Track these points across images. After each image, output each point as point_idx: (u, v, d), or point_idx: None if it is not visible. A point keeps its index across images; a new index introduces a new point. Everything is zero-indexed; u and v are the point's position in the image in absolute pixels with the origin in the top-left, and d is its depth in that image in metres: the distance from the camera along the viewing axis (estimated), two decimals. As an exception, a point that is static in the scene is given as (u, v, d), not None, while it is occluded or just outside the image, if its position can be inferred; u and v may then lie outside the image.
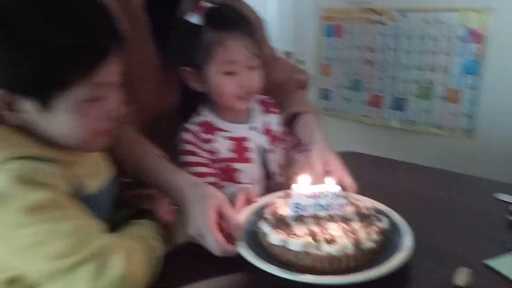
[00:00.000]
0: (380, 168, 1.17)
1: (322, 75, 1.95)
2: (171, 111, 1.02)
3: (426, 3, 1.60)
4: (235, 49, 0.88)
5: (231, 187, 0.92)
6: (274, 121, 1.03)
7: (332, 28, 1.88)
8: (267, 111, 1.02)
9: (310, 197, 0.74)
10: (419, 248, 0.71)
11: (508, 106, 1.47)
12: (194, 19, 0.89)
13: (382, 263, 0.65)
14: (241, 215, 0.79)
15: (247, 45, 0.89)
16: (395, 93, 1.75)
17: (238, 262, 0.68)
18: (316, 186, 0.75)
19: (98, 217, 0.65)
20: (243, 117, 0.98)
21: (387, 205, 0.81)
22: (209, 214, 0.71)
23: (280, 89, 1.09)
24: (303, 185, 0.76)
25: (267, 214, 0.75)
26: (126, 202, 0.79)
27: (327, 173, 0.87)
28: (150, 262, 0.65)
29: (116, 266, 0.58)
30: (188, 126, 0.94)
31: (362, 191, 0.85)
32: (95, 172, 0.70)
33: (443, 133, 1.64)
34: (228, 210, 0.74)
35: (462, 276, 0.65)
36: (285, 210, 0.75)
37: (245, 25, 0.91)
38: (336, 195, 0.74)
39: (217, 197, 0.75)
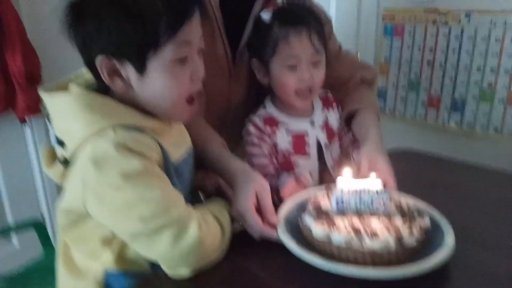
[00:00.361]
0: (434, 166, 1.19)
1: (381, 74, 1.97)
2: (239, 103, 1.12)
3: (493, 5, 1.57)
4: (298, 44, 0.96)
5: (285, 174, 1.00)
6: (333, 117, 1.09)
7: (393, 28, 1.89)
8: (327, 107, 1.09)
9: (353, 192, 0.76)
10: (479, 240, 0.77)
11: None
12: (265, 15, 0.99)
13: (424, 259, 0.68)
14: (283, 204, 0.84)
15: (311, 41, 0.96)
16: (454, 95, 1.74)
17: (280, 251, 0.73)
18: (360, 181, 0.77)
19: (180, 184, 0.74)
20: (305, 112, 1.05)
21: (439, 202, 0.83)
22: (249, 196, 0.78)
23: (344, 86, 1.14)
24: (347, 180, 0.78)
25: (310, 206, 0.79)
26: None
27: (372, 172, 0.87)
28: (219, 235, 0.73)
29: (192, 233, 0.66)
30: (253, 118, 1.04)
31: (413, 188, 0.89)
32: (178, 142, 0.79)
33: (502, 137, 1.61)
34: (265, 197, 0.79)
35: None
36: (327, 203, 0.79)
37: (311, 22, 0.98)
38: (379, 192, 0.76)
39: (261, 183, 0.81)
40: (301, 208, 0.82)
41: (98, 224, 0.72)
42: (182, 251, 0.66)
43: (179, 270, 0.69)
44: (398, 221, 0.74)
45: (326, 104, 1.09)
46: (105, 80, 0.70)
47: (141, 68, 0.69)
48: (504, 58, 1.57)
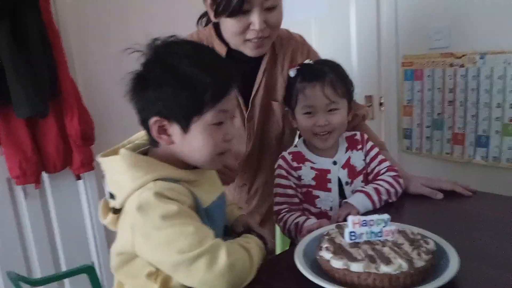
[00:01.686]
0: (455, 196, 1.25)
1: (405, 115, 2.06)
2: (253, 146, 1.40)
3: (506, 46, 1.66)
4: (312, 96, 1.13)
5: (313, 220, 1.11)
6: (356, 157, 1.22)
7: (412, 72, 2.00)
8: (352, 148, 1.22)
9: (364, 225, 0.84)
10: (490, 259, 0.84)
11: None
12: (291, 72, 1.18)
13: (435, 279, 0.77)
14: (300, 242, 0.94)
15: (323, 92, 1.12)
16: (478, 131, 1.79)
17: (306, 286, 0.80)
18: (369, 216, 0.86)
19: (211, 225, 0.86)
20: (330, 152, 1.20)
21: (454, 232, 0.92)
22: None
23: (349, 124, 1.29)
24: (357, 217, 0.87)
25: (325, 242, 0.87)
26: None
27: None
28: (247, 260, 0.83)
29: (222, 258, 0.77)
30: (284, 154, 1.21)
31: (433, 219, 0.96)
32: (209, 189, 0.92)
33: (528, 169, 1.64)
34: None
35: None
36: (340, 239, 0.87)
37: (327, 76, 1.14)
38: (387, 222, 0.85)
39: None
40: (317, 244, 0.90)
41: (144, 263, 0.85)
42: (216, 275, 0.77)
43: None
44: (407, 247, 0.82)
45: (351, 145, 1.22)
46: (153, 136, 0.86)
47: (186, 128, 0.84)
48: (522, 94, 1.64)
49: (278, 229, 1.45)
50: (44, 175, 1.90)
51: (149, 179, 0.82)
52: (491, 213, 1.11)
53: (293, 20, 2.45)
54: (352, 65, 2.15)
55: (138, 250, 0.83)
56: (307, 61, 1.20)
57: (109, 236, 1.95)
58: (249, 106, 1.33)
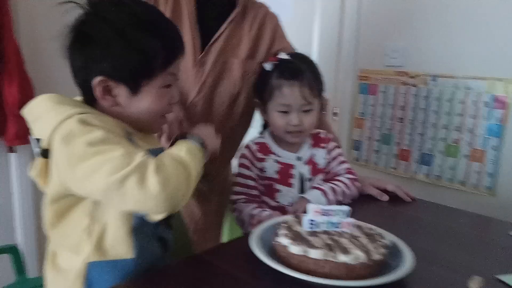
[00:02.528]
0: (402, 203, 1.30)
1: (356, 127, 2.11)
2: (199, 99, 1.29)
3: (456, 71, 1.76)
4: (289, 95, 1.10)
5: (267, 211, 1.09)
6: (319, 155, 1.21)
7: (367, 87, 2.06)
8: (315, 145, 1.21)
9: (324, 215, 0.84)
10: (437, 260, 0.86)
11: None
12: (267, 65, 1.14)
13: (392, 272, 0.77)
14: (254, 230, 0.91)
15: (301, 93, 1.10)
16: (423, 149, 1.87)
17: (260, 272, 0.78)
18: (329, 207, 0.86)
19: None
20: (295, 147, 1.18)
21: (404, 233, 0.93)
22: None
23: None
24: (318, 206, 0.86)
25: (283, 229, 0.85)
26: None
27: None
28: (181, 173, 0.76)
29: (151, 176, 0.71)
30: (249, 143, 1.17)
31: (382, 222, 0.98)
32: (146, 141, 0.88)
33: (466, 189, 1.73)
34: None
35: (475, 282, 0.76)
36: (297, 227, 0.86)
37: (305, 76, 1.12)
38: (346, 214, 0.86)
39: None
40: (274, 231, 0.88)
41: (80, 214, 0.79)
42: (149, 194, 0.71)
43: (155, 213, 0.75)
44: (363, 240, 0.82)
45: (316, 142, 1.22)
46: (97, 96, 0.81)
47: (134, 90, 0.82)
48: (467, 118, 1.73)
49: (228, 219, 1.40)
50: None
51: (76, 112, 0.76)
52: (435, 220, 1.16)
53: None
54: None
55: (69, 187, 0.76)
56: (284, 56, 1.17)
57: (39, 217, 1.79)
58: (204, 51, 1.24)
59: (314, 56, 2.20)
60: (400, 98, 1.94)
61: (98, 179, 0.71)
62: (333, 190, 1.15)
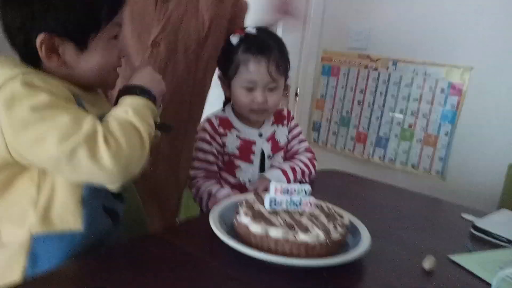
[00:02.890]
0: (358, 184, 1.33)
1: (316, 109, 2.12)
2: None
3: (416, 56, 1.80)
4: (255, 71, 1.06)
5: (226, 190, 1.07)
6: (282, 132, 1.20)
7: (330, 68, 2.07)
8: (278, 123, 1.20)
9: (285, 193, 0.83)
10: (392, 240, 0.87)
11: (476, 153, 1.64)
12: (233, 39, 1.09)
13: (349, 251, 0.78)
14: (214, 208, 0.88)
15: (268, 70, 1.07)
16: (379, 132, 1.92)
17: (220, 251, 0.77)
18: (290, 185, 0.84)
19: None
20: (257, 124, 1.15)
21: (361, 214, 0.94)
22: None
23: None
24: (279, 184, 0.84)
25: (244, 208, 0.83)
26: None
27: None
28: (134, 135, 0.72)
29: (102, 147, 0.67)
30: (210, 117, 1.13)
31: (338, 200, 0.99)
32: (95, 105, 0.82)
33: (418, 172, 1.80)
34: None
35: (429, 261, 0.78)
36: (258, 206, 0.84)
37: (272, 53, 1.09)
38: (306, 193, 0.84)
39: None
40: (234, 210, 0.86)
41: (26, 182, 0.73)
42: (102, 166, 0.67)
43: (111, 184, 0.71)
44: (323, 219, 0.83)
45: (278, 119, 1.20)
46: (41, 57, 0.74)
47: (82, 46, 0.76)
48: (423, 104, 1.78)
49: (185, 195, 1.37)
50: None
51: (19, 72, 0.70)
52: (388, 201, 1.19)
53: None
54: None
55: (13, 152, 0.69)
56: (250, 30, 1.13)
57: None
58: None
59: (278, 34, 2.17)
60: (360, 81, 1.97)
61: (46, 147, 0.66)
62: (293, 170, 1.15)
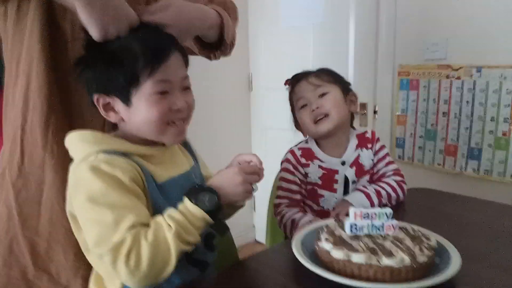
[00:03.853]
0: (448, 201, 1.27)
1: (398, 124, 2.06)
2: None
3: (501, 60, 1.68)
4: (299, 90, 1.21)
5: (308, 216, 1.09)
6: (365, 156, 1.20)
7: (408, 82, 2.01)
8: (361, 146, 1.21)
9: (365, 218, 0.83)
10: (488, 262, 0.83)
11: None
12: (286, 88, 1.25)
13: (437, 274, 0.76)
14: (296, 234, 0.91)
15: (309, 81, 1.19)
16: (470, 143, 1.81)
17: (303, 278, 0.79)
18: (371, 209, 0.84)
19: (167, 202, 0.83)
20: (339, 151, 1.19)
21: (453, 235, 0.90)
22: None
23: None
24: (359, 209, 0.84)
25: (325, 234, 0.84)
26: None
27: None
28: (157, 256, 0.75)
29: (121, 263, 0.74)
30: (293, 148, 1.20)
31: (429, 223, 0.95)
32: (169, 165, 0.90)
33: (519, 183, 1.65)
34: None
35: None
36: (339, 231, 0.85)
37: (311, 73, 1.21)
38: (388, 217, 0.84)
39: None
40: (315, 236, 0.87)
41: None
42: (120, 276, 0.76)
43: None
44: (408, 242, 0.81)
45: (362, 143, 1.21)
46: (103, 114, 0.86)
47: (127, 101, 0.83)
48: (516, 109, 1.66)
49: (269, 219, 1.41)
50: None
51: (93, 151, 0.80)
52: (485, 218, 1.12)
53: (291, 24, 2.47)
54: (348, 72, 2.15)
55: None
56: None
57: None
58: None
59: (351, 55, 2.17)
60: (443, 92, 1.88)
61: (89, 238, 0.78)
62: (378, 193, 1.13)
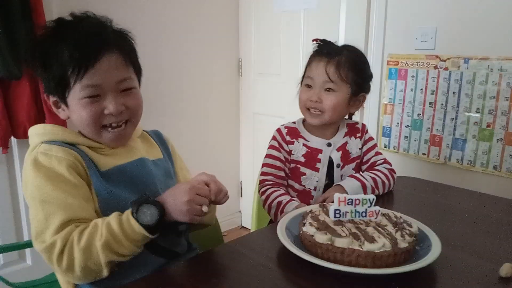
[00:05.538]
0: (434, 191, 1.29)
1: (385, 114, 2.08)
2: None
3: (490, 52, 1.70)
4: (315, 69, 1.16)
5: (295, 202, 1.10)
6: (353, 144, 1.22)
7: (397, 71, 2.02)
8: (350, 135, 1.22)
9: (349, 204, 0.84)
10: (468, 248, 0.85)
11: None
12: (313, 47, 1.21)
13: (418, 260, 0.77)
14: (281, 219, 0.92)
15: (326, 68, 1.13)
16: (455, 134, 1.83)
17: (287, 261, 0.80)
18: (355, 196, 0.85)
19: (113, 191, 0.85)
20: (326, 134, 1.19)
21: (435, 222, 0.93)
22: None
23: None
24: (343, 195, 0.85)
25: (309, 219, 0.86)
26: None
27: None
28: (87, 261, 0.77)
29: (56, 262, 0.77)
30: (280, 127, 1.20)
31: (409, 207, 0.97)
32: (117, 154, 0.92)
33: (501, 174, 1.68)
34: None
35: (506, 268, 0.76)
36: (323, 216, 0.87)
37: (337, 56, 1.17)
38: (371, 203, 0.85)
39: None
40: (300, 221, 0.89)
41: None
42: (58, 273, 0.82)
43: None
44: (390, 228, 0.82)
45: (351, 132, 1.22)
46: (53, 110, 0.91)
47: (65, 102, 0.87)
48: (501, 101, 1.68)
49: (255, 205, 1.42)
50: (13, 140, 1.81)
51: (38, 142, 0.86)
52: (467, 207, 1.14)
53: (283, 9, 2.45)
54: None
55: None
56: (329, 39, 1.20)
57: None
58: None
59: (341, 42, 2.17)
60: (431, 82, 1.90)
61: (31, 232, 0.82)
62: (374, 181, 1.15)
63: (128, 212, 0.80)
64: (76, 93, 0.83)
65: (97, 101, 0.85)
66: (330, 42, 1.17)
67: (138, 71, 0.94)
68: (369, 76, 1.19)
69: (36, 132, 0.88)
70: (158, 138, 1.05)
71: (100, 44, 0.84)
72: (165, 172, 0.99)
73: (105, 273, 0.78)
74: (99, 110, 0.85)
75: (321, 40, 1.17)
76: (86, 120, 0.85)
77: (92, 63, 0.82)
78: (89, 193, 0.83)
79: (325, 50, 1.14)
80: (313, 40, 1.19)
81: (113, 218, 0.79)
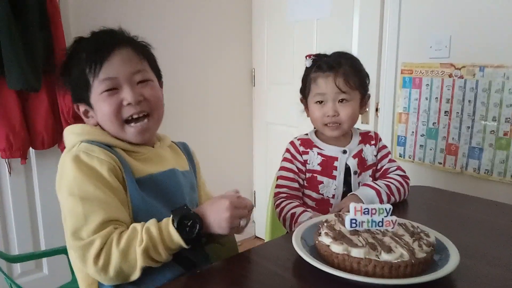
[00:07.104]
0: (449, 199, 1.28)
1: (400, 123, 2.07)
2: None
3: (504, 60, 1.68)
4: (324, 85, 1.12)
5: (308, 214, 1.10)
6: (368, 151, 1.22)
7: (411, 80, 2.01)
8: (365, 143, 1.23)
9: (365, 213, 0.83)
10: (486, 258, 0.84)
11: None
12: (307, 62, 1.18)
13: (436, 270, 0.76)
14: (296, 229, 0.92)
15: (335, 81, 1.12)
16: (471, 142, 1.81)
17: (303, 271, 0.80)
18: (371, 206, 0.84)
19: (148, 197, 0.86)
20: (341, 142, 1.20)
21: (452, 231, 0.91)
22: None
23: None
24: (359, 205, 0.85)
25: (325, 229, 0.85)
26: None
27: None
28: (124, 264, 0.78)
29: (90, 265, 0.78)
30: (293, 139, 1.21)
31: (427, 217, 0.96)
32: (152, 161, 0.93)
33: (519, 183, 1.66)
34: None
35: None
36: (339, 226, 0.86)
37: (341, 67, 1.14)
38: (388, 213, 0.84)
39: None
40: (315, 231, 0.89)
41: None
42: (90, 272, 0.80)
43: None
44: (407, 238, 0.81)
45: (365, 140, 1.23)
46: (84, 119, 0.94)
47: (89, 105, 0.91)
48: (518, 109, 1.66)
49: (269, 215, 1.42)
50: (31, 151, 1.85)
51: (77, 141, 0.87)
52: (484, 216, 1.12)
53: (296, 19, 2.47)
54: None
55: None
56: (323, 53, 1.20)
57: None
58: None
59: (355, 51, 2.17)
60: (446, 91, 1.89)
61: (66, 228, 0.83)
62: (388, 188, 1.14)
63: (167, 221, 0.81)
64: (96, 89, 0.88)
65: (116, 93, 0.89)
66: (324, 54, 1.20)
67: (156, 71, 0.98)
68: (368, 75, 1.22)
69: (74, 131, 0.90)
70: (186, 150, 1.08)
71: (112, 40, 0.90)
72: (191, 185, 1.01)
73: (135, 276, 0.79)
74: (118, 102, 0.89)
75: (315, 55, 1.19)
76: (108, 114, 0.88)
77: (106, 57, 0.87)
78: (125, 198, 0.85)
79: (324, 64, 1.15)
80: (306, 56, 1.21)
81: (152, 225, 0.81)
